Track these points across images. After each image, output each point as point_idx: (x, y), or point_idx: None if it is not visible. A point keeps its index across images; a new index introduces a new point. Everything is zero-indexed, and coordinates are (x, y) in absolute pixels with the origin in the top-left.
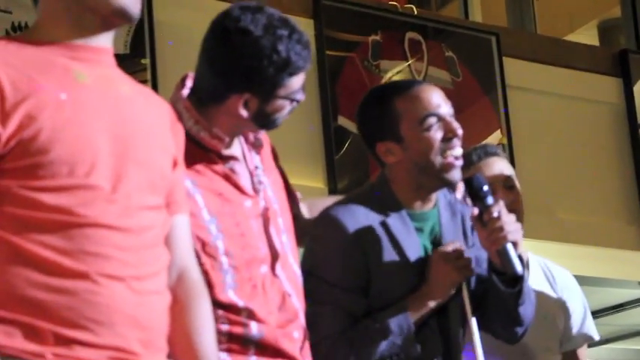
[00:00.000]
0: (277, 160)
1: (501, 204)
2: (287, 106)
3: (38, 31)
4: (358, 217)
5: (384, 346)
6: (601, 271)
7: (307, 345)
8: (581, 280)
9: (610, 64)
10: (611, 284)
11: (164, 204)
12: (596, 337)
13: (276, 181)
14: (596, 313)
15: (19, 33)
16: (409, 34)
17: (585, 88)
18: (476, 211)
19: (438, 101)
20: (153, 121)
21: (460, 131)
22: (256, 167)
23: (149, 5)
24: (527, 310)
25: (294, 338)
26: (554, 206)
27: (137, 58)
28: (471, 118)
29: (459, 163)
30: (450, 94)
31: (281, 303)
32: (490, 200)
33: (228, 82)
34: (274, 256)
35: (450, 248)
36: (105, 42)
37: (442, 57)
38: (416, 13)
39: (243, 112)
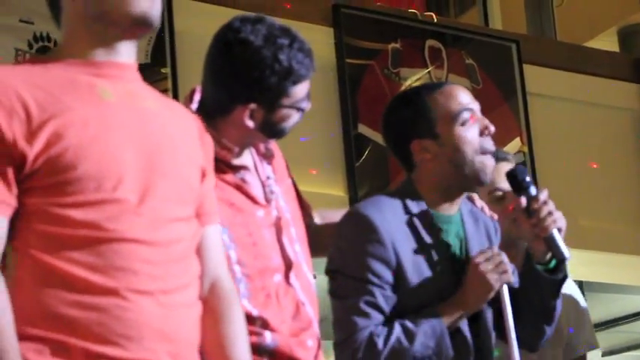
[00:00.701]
0: (289, 170)
1: (545, 192)
2: (293, 115)
3: (62, 50)
4: (385, 214)
5: (417, 346)
6: (622, 278)
7: (321, 354)
8: (602, 287)
9: (630, 70)
10: (633, 291)
11: (194, 215)
12: (599, 345)
13: (288, 191)
14: (617, 321)
15: (39, 49)
16: (429, 42)
17: (605, 94)
18: (524, 200)
19: (469, 98)
20: (179, 133)
21: (493, 128)
22: (268, 177)
23: (169, 15)
24: (558, 305)
25: (308, 347)
26: (575, 213)
27: (158, 67)
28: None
29: (493, 163)
30: None
31: (295, 312)
32: (534, 189)
33: (232, 94)
34: (288, 265)
35: (490, 253)
36: (128, 57)
37: (462, 64)
38: (436, 20)
39: (249, 123)
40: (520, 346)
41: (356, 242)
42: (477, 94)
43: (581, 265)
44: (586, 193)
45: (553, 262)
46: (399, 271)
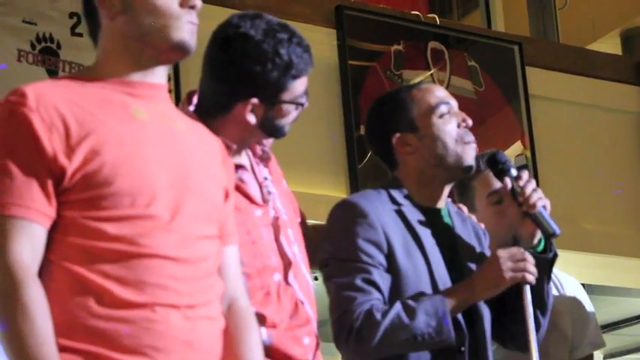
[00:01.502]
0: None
1: (526, 172)
2: (292, 112)
3: (98, 68)
4: (374, 202)
5: (417, 323)
6: (624, 280)
7: (319, 354)
8: (604, 290)
9: (633, 73)
10: (635, 294)
11: (217, 235)
12: (604, 344)
13: (285, 194)
14: (619, 323)
15: (42, 49)
16: (432, 44)
17: (608, 97)
18: (509, 182)
19: (446, 94)
20: (206, 154)
21: (470, 122)
22: (265, 178)
23: None
24: (550, 294)
25: (304, 344)
26: (577, 216)
27: None
28: (493, 127)
29: (475, 146)
30: (472, 104)
31: (293, 311)
32: (515, 170)
33: (233, 90)
34: (286, 264)
35: (515, 251)
36: (160, 78)
37: (465, 66)
38: (438, 22)
39: (251, 118)
40: (516, 347)
41: (346, 227)
42: (479, 97)
43: (583, 268)
44: (588, 195)
45: (541, 245)
46: (390, 256)
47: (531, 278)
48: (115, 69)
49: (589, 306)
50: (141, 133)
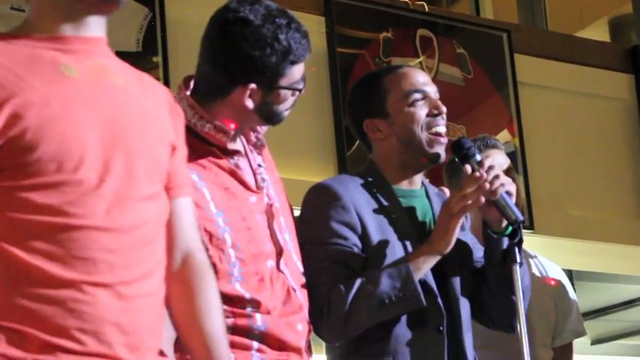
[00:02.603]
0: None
1: (491, 158)
2: (289, 98)
3: (27, 26)
4: (347, 185)
5: (382, 287)
6: (612, 267)
7: (310, 339)
8: (592, 276)
9: (621, 61)
10: (623, 280)
11: (163, 190)
12: (586, 332)
13: (277, 182)
14: (608, 309)
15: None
16: (420, 31)
17: (596, 84)
18: (468, 168)
19: (424, 80)
20: (149, 108)
21: (444, 109)
22: (259, 165)
23: (161, 3)
24: (525, 278)
25: (297, 330)
26: (566, 203)
27: (149, 55)
28: (481, 114)
29: (444, 140)
30: (461, 91)
31: (286, 297)
32: (479, 156)
33: (232, 74)
34: (278, 251)
35: (463, 184)
36: (97, 31)
37: (453, 54)
38: (427, 9)
39: (249, 103)
40: (498, 328)
41: (319, 210)
42: (468, 84)
43: (571, 255)
44: (577, 182)
45: (509, 229)
46: (365, 237)
47: (481, 201)
48: (44, 25)
49: (572, 294)
50: (70, 91)
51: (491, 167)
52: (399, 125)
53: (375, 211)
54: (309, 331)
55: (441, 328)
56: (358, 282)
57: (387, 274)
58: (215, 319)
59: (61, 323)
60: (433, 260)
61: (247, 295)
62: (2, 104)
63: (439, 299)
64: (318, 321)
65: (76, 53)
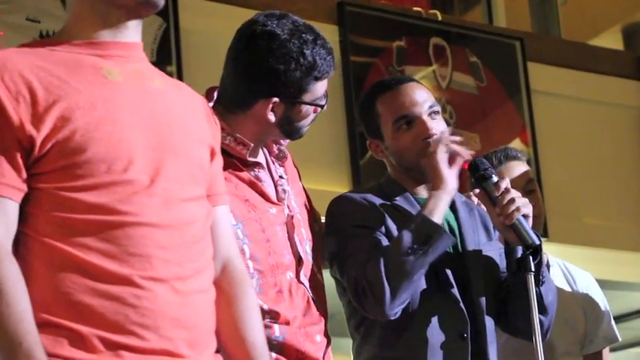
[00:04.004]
0: (300, 179)
1: (507, 180)
2: (311, 114)
3: (67, 32)
4: (367, 196)
5: (406, 238)
6: (625, 275)
7: (329, 352)
8: (606, 284)
9: (634, 68)
10: (637, 288)
11: (205, 195)
12: (619, 339)
13: (299, 193)
14: (621, 317)
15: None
16: (433, 40)
17: (609, 92)
18: (477, 191)
19: (415, 100)
20: (187, 113)
21: (434, 130)
22: (280, 177)
23: (175, 13)
24: (549, 294)
25: (316, 341)
26: (579, 211)
27: (163, 65)
28: (495, 122)
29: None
30: (474, 99)
31: (306, 308)
32: (496, 178)
33: (256, 87)
34: (298, 263)
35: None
36: (133, 36)
37: (467, 62)
38: (440, 18)
39: (271, 117)
40: (524, 337)
41: (343, 217)
42: (481, 92)
43: (585, 263)
44: (590, 190)
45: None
46: (389, 238)
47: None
48: (84, 31)
49: (602, 301)
50: (114, 95)
51: (507, 190)
52: (391, 150)
53: (398, 220)
54: (328, 343)
55: (465, 334)
56: (383, 250)
57: (404, 230)
58: (256, 327)
59: (120, 319)
60: (443, 200)
61: (265, 306)
62: (50, 108)
63: (461, 304)
64: (364, 300)
65: (116, 58)
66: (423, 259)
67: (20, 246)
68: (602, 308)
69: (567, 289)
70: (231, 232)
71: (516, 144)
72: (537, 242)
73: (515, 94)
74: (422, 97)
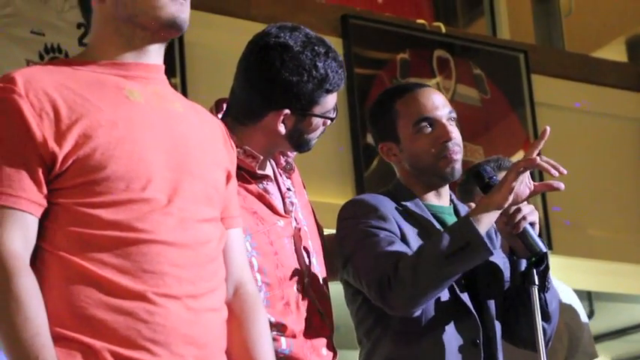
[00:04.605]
0: (305, 190)
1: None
2: (320, 127)
3: (91, 52)
4: (381, 200)
5: (445, 241)
6: (632, 287)
7: None
8: (612, 297)
9: (638, 80)
10: None
11: (220, 217)
12: (597, 355)
13: (306, 206)
14: (627, 330)
15: (50, 60)
16: (437, 52)
17: (613, 104)
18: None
19: (435, 104)
20: (206, 136)
21: (453, 135)
22: (288, 189)
23: None
24: (553, 302)
25: (322, 354)
26: (583, 223)
27: (167, 77)
28: (499, 135)
29: (456, 157)
30: (478, 112)
31: (312, 321)
32: None
33: (268, 98)
34: (306, 275)
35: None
36: (155, 58)
37: (470, 74)
38: (444, 30)
39: (282, 128)
40: (527, 347)
41: (359, 217)
42: (485, 104)
43: (590, 275)
44: (594, 202)
45: (534, 258)
46: (405, 243)
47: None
48: (107, 52)
49: (583, 315)
50: (135, 115)
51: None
52: (407, 152)
53: (410, 224)
54: (334, 356)
55: (478, 341)
56: (419, 249)
57: (446, 231)
58: (267, 350)
59: (133, 334)
60: (493, 213)
61: (272, 319)
62: (72, 125)
63: (474, 311)
64: (389, 293)
65: (138, 79)
66: (458, 267)
67: (37, 259)
68: (584, 323)
69: None
70: (245, 255)
71: (520, 156)
72: (545, 250)
73: (519, 106)
74: (442, 102)
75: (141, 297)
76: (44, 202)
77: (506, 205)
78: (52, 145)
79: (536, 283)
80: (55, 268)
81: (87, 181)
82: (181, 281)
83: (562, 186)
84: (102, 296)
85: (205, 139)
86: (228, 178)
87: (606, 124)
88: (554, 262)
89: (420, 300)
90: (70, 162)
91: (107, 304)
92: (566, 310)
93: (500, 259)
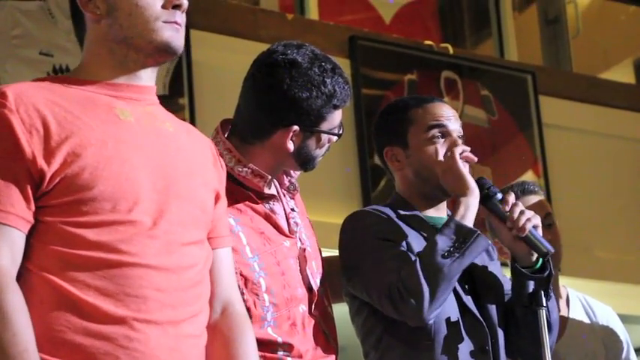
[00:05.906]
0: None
1: (512, 194)
2: (326, 144)
3: (83, 71)
4: (384, 210)
5: (441, 242)
6: (636, 309)
7: None
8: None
9: None
10: None
11: (207, 238)
12: None
13: (308, 226)
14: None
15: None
16: (445, 73)
17: (621, 125)
18: (485, 209)
19: (448, 114)
20: (195, 156)
21: (462, 146)
22: (292, 209)
23: (187, 46)
24: (554, 312)
25: None
26: (592, 244)
27: (175, 97)
28: (506, 156)
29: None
30: (485, 133)
31: (318, 341)
32: (500, 194)
33: (276, 115)
34: (311, 295)
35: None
36: (147, 80)
37: (478, 95)
38: (451, 52)
39: (290, 146)
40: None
41: (364, 229)
42: (492, 126)
43: (597, 297)
44: (602, 223)
45: (539, 263)
46: (410, 252)
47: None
48: (100, 72)
49: (623, 334)
50: (125, 135)
51: (515, 204)
52: (415, 159)
53: (410, 232)
54: None
55: (487, 347)
56: (418, 256)
57: (437, 236)
58: None
59: None
60: (473, 203)
61: (279, 339)
62: (61, 143)
63: (481, 318)
64: (401, 304)
65: (130, 100)
66: (460, 261)
67: (21, 280)
68: (624, 342)
69: (587, 322)
70: (233, 274)
71: (528, 177)
72: (552, 250)
73: (527, 127)
74: (455, 117)
75: (121, 322)
76: (32, 219)
77: (476, 191)
78: (40, 162)
79: (545, 305)
80: (37, 289)
81: (74, 200)
82: (163, 306)
83: (475, 159)
84: (82, 321)
85: (195, 159)
86: (217, 198)
87: (613, 145)
88: (563, 282)
89: (433, 305)
90: (57, 180)
91: (86, 329)
92: (603, 329)
93: (498, 269)
